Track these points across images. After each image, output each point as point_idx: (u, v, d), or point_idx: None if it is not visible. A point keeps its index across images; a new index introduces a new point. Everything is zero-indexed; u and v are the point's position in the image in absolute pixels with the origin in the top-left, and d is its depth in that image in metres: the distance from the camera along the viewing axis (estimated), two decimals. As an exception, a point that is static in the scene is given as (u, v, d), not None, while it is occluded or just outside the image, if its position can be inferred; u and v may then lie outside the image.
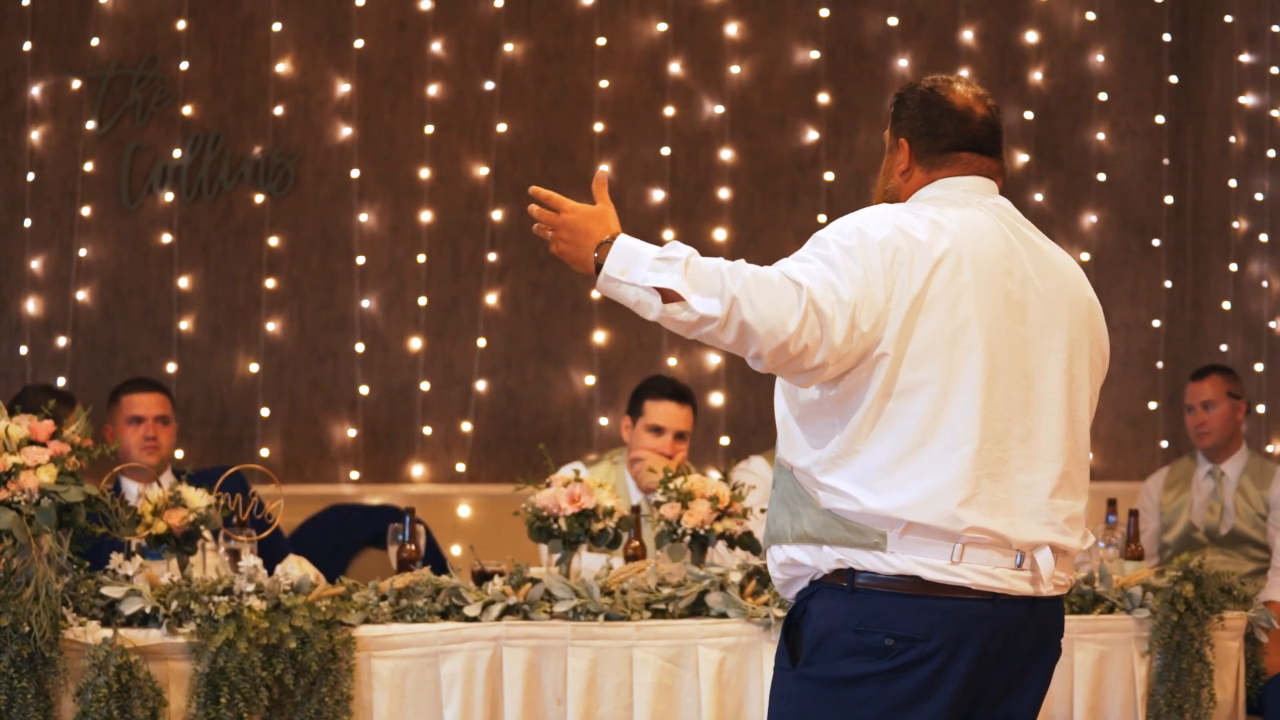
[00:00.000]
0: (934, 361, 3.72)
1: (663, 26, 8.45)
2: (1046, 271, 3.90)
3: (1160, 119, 8.83)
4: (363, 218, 8.21)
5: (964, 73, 8.59)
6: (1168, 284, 8.82)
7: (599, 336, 8.35)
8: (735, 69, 8.51)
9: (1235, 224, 8.45)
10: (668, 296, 3.59)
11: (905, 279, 3.71)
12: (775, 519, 3.91)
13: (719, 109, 8.50)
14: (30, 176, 7.95)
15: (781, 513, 3.88)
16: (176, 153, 8.04)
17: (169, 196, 8.05)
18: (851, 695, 3.74)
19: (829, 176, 8.53)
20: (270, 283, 8.12)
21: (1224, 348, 8.49)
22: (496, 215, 8.30)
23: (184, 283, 8.06)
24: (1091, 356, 3.95)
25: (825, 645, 3.77)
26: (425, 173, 8.26)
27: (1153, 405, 8.81)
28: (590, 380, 8.36)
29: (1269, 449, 8.14)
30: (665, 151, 8.44)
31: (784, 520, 3.87)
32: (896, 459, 3.71)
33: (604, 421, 8.34)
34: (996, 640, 3.77)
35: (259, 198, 8.14)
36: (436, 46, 8.29)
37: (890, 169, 4.04)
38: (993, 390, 3.75)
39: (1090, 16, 8.79)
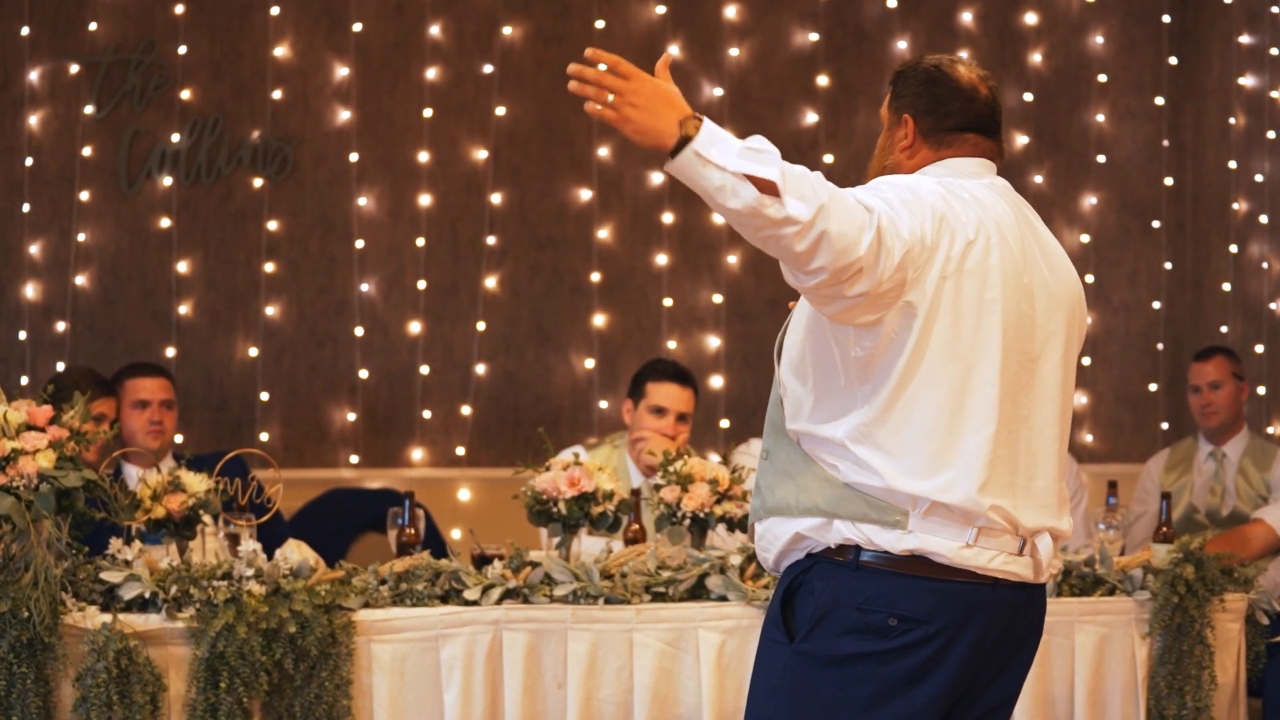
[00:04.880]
0: (961, 338, 3.70)
1: (661, 9, 8.43)
2: (1048, 256, 3.91)
3: (1160, 100, 8.81)
4: (361, 201, 8.21)
5: (963, 54, 8.58)
6: (1168, 265, 8.81)
7: (598, 319, 8.35)
8: (734, 51, 8.49)
9: (1235, 205, 8.44)
10: (761, 188, 3.41)
11: (948, 245, 3.69)
12: (773, 491, 3.86)
13: (718, 91, 8.48)
14: (29, 161, 7.94)
15: (783, 485, 3.84)
16: (175, 137, 8.03)
17: (167, 181, 8.04)
18: (847, 673, 3.73)
19: (828, 159, 8.52)
20: (269, 267, 8.11)
21: (1224, 329, 8.48)
22: (495, 199, 8.29)
23: (183, 267, 8.05)
24: (1080, 339, 3.97)
25: (826, 621, 3.75)
26: (424, 156, 8.25)
27: (1153, 387, 8.80)
28: (590, 363, 8.36)
29: (1269, 430, 8.13)
30: (664, 134, 8.41)
31: (787, 492, 3.82)
32: (924, 436, 3.69)
33: (604, 405, 8.34)
34: (995, 625, 3.77)
35: (258, 182, 8.13)
36: (435, 30, 8.28)
37: (890, 145, 4.00)
38: (1006, 372, 3.75)
39: (1090, -2, 8.79)
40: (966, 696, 3.80)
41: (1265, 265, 8.30)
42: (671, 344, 8.37)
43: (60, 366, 7.79)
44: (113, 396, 6.79)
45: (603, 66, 3.56)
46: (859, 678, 3.72)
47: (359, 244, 8.19)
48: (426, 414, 8.25)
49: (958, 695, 3.77)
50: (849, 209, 3.48)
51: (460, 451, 8.26)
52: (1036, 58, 8.75)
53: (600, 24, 8.38)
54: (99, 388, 6.71)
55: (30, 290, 7.94)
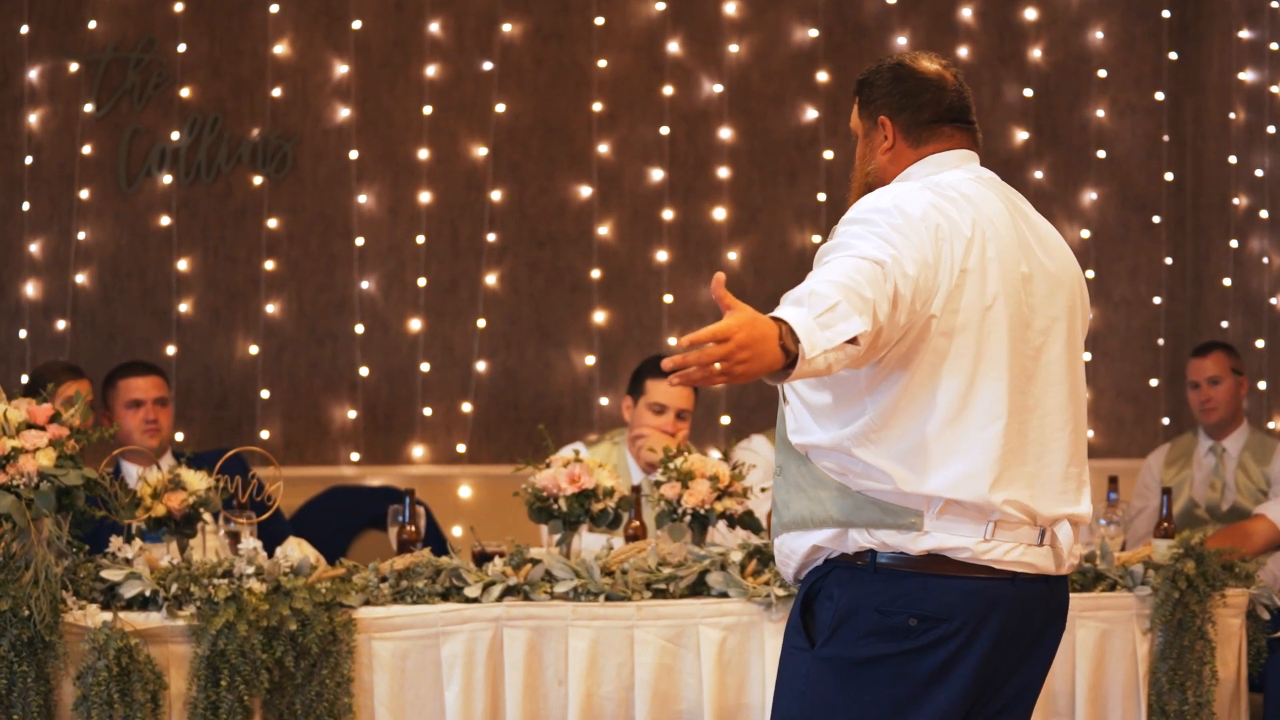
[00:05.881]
0: (967, 336, 3.69)
1: (661, 5, 8.43)
2: (1042, 242, 3.90)
3: (1160, 95, 8.81)
4: (361, 199, 8.20)
5: (963, 51, 8.59)
6: (1168, 261, 8.81)
7: (599, 316, 8.34)
8: (734, 48, 8.49)
9: (1235, 200, 8.44)
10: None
11: (949, 254, 3.67)
12: (788, 506, 3.85)
13: (718, 88, 8.48)
14: (28, 160, 7.94)
15: (797, 499, 3.83)
16: (174, 135, 8.03)
17: (167, 179, 8.04)
18: (871, 675, 3.72)
19: (828, 155, 8.52)
20: (269, 265, 8.11)
21: (1225, 324, 8.48)
22: (495, 196, 8.29)
23: (183, 265, 8.05)
24: (1085, 322, 3.96)
25: (847, 625, 3.74)
26: (424, 154, 8.24)
27: (1154, 382, 8.80)
28: (590, 360, 8.35)
29: (1270, 425, 8.13)
30: (664, 131, 8.42)
31: (801, 507, 3.82)
32: (931, 436, 3.68)
33: (604, 401, 8.33)
34: (1015, 618, 3.76)
35: (257, 180, 8.12)
36: (434, 27, 8.27)
37: (870, 151, 3.97)
38: (1013, 364, 3.74)
39: (1089, -7, 8.79)
40: (988, 689, 3.80)
41: (1265, 260, 8.30)
42: (672, 341, 8.36)
43: (59, 360, 7.78)
44: (85, 379, 6.77)
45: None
46: (882, 679, 3.72)
47: (359, 241, 8.19)
48: (427, 411, 8.24)
49: (980, 690, 3.77)
50: (875, 282, 3.47)
51: (461, 449, 8.26)
52: (1036, 53, 8.74)
53: (600, 20, 8.37)
54: (71, 375, 6.71)
55: (30, 289, 7.94)
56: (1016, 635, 3.79)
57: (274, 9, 8.12)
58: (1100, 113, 8.79)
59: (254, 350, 8.09)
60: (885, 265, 3.51)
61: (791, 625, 3.87)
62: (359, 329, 8.19)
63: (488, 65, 8.31)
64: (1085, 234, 8.70)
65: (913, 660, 3.71)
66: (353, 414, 8.18)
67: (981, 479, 3.68)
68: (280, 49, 8.14)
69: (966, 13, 8.67)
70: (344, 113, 8.19)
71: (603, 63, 8.38)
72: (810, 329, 3.35)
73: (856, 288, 3.43)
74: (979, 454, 3.69)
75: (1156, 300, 8.81)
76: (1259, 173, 8.34)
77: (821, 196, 8.48)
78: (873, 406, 3.70)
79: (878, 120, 3.95)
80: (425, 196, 8.25)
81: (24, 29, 7.93)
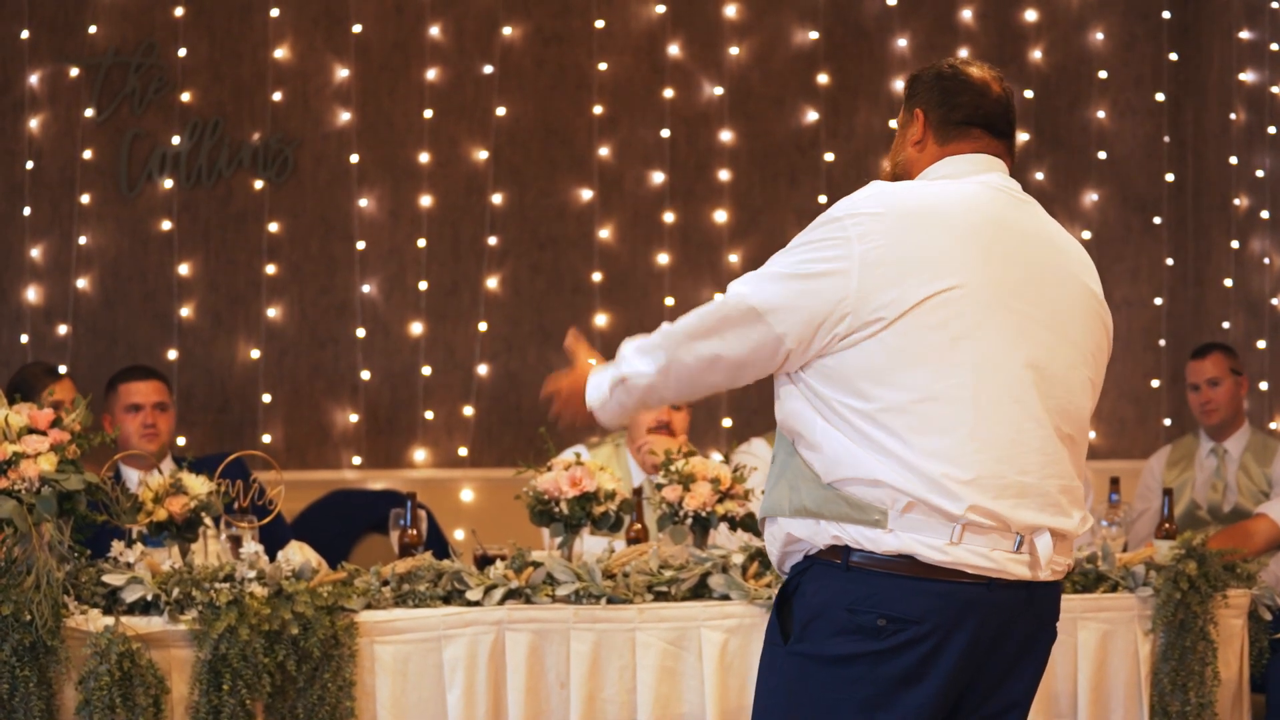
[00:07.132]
0: (932, 339, 3.68)
1: (661, 8, 8.43)
2: (1051, 252, 3.87)
3: (1160, 96, 8.81)
4: (362, 203, 8.21)
5: (963, 52, 8.59)
6: (1169, 261, 8.81)
7: (600, 319, 8.35)
8: (734, 50, 8.49)
9: (1236, 201, 8.44)
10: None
11: (903, 266, 3.68)
12: (771, 490, 3.88)
13: (718, 90, 8.48)
14: (29, 165, 7.95)
15: (778, 485, 3.85)
16: (175, 140, 8.03)
17: (168, 183, 8.04)
18: (842, 674, 3.71)
19: (829, 157, 8.52)
20: (270, 269, 8.11)
21: (1226, 325, 8.48)
22: (496, 199, 8.29)
23: (184, 269, 8.05)
24: (1097, 338, 3.92)
25: (817, 622, 3.74)
26: (424, 157, 8.25)
27: (1155, 383, 8.80)
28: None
29: (1271, 426, 8.13)
30: (665, 133, 8.43)
31: (780, 493, 3.84)
32: (899, 437, 3.68)
33: (606, 404, 8.32)
34: (991, 625, 3.74)
35: (258, 184, 8.13)
36: (434, 30, 8.28)
37: (902, 142, 4.02)
38: (994, 374, 3.71)
39: (1089, -6, 8.80)
40: (972, 697, 3.78)
41: (1266, 261, 8.30)
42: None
43: (62, 369, 7.79)
44: (66, 379, 6.79)
45: None
46: (853, 678, 3.71)
47: (360, 245, 8.20)
48: (428, 415, 8.25)
49: (957, 695, 3.75)
50: (724, 327, 4.05)
51: (462, 452, 8.26)
52: (1037, 55, 8.75)
53: (600, 23, 8.38)
54: (51, 377, 6.73)
55: (32, 293, 7.94)
56: (997, 643, 3.76)
57: (274, 13, 8.13)
58: (1101, 114, 8.79)
59: (255, 354, 8.10)
60: (764, 318, 3.87)
61: (770, 621, 3.88)
62: (360, 333, 8.19)
63: (488, 68, 8.32)
64: (1086, 235, 8.71)
65: (883, 661, 3.70)
66: (354, 418, 8.19)
67: (947, 483, 3.66)
68: (280, 53, 8.15)
69: (967, 14, 8.68)
70: (344, 116, 8.20)
71: (603, 65, 8.39)
72: (600, 387, 4.38)
73: (662, 337, 4.16)
74: (945, 458, 3.67)
75: (1158, 301, 8.81)
76: (1260, 173, 8.34)
77: (822, 198, 8.48)
78: (838, 405, 3.72)
79: (914, 113, 3.99)
80: (426, 200, 8.25)
81: (24, 34, 7.93)
